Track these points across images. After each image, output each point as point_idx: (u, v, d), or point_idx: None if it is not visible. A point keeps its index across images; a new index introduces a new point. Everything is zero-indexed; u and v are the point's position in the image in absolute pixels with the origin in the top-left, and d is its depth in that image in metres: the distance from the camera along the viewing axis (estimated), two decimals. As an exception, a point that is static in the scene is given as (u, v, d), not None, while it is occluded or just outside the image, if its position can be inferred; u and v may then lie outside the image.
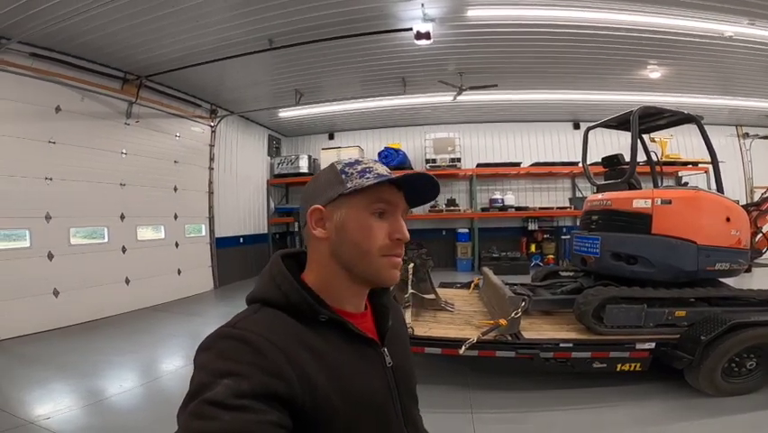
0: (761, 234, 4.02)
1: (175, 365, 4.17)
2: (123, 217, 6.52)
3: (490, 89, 7.27)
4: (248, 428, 0.52)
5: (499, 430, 2.81)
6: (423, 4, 4.88)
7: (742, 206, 3.85)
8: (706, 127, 4.06)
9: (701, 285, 3.54)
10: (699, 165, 9.60)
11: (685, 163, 9.74)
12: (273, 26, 5.24)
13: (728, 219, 3.57)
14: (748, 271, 3.83)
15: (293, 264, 0.81)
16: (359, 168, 0.77)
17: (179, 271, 7.63)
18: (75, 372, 3.90)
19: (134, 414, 3.14)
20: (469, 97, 7.79)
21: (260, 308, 0.72)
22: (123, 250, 6.50)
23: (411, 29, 5.15)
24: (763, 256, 4.14)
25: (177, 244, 7.65)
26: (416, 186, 0.80)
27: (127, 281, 6.51)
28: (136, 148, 6.81)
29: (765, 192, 4.19)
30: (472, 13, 5.12)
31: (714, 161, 4.07)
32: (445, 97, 7.85)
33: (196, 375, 0.59)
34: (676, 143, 9.82)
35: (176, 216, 7.66)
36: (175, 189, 7.68)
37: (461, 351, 2.97)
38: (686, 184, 8.67)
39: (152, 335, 5.23)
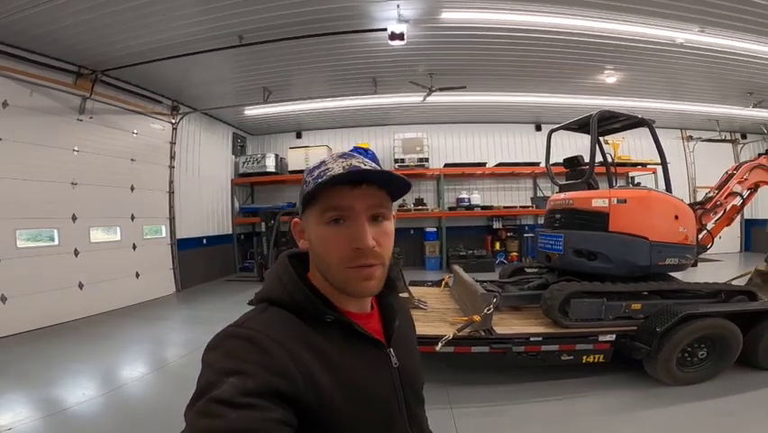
0: (705, 231, 4.33)
1: (139, 372, 3.98)
2: (74, 218, 6.12)
3: (459, 91, 7.42)
4: (254, 426, 0.53)
5: (479, 424, 2.89)
6: (399, 5, 4.91)
7: (688, 204, 4.13)
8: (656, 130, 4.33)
9: (654, 279, 3.79)
10: (648, 166, 10.30)
11: (635, 164, 10.41)
12: (244, 22, 5.10)
13: (677, 217, 3.82)
14: (695, 265, 4.13)
15: (300, 265, 0.80)
16: (315, 173, 0.72)
17: (138, 275, 7.26)
18: (32, 380, 3.68)
19: (99, 422, 3.00)
20: (438, 98, 7.92)
21: (266, 308, 0.73)
22: (76, 253, 6.10)
23: (386, 29, 5.17)
24: (708, 251, 4.46)
25: (134, 246, 7.29)
26: (370, 180, 0.71)
27: (81, 286, 6.12)
28: (89, 145, 6.42)
29: (709, 192, 4.52)
30: (446, 15, 5.21)
31: (663, 163, 4.32)
32: (415, 98, 7.94)
33: (203, 374, 0.60)
34: (627, 146, 10.46)
35: (132, 217, 7.29)
36: (132, 189, 7.30)
37: (438, 347, 3.02)
38: (638, 184, 9.31)
39: (112, 341, 4.96)
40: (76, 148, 6.21)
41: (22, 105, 5.40)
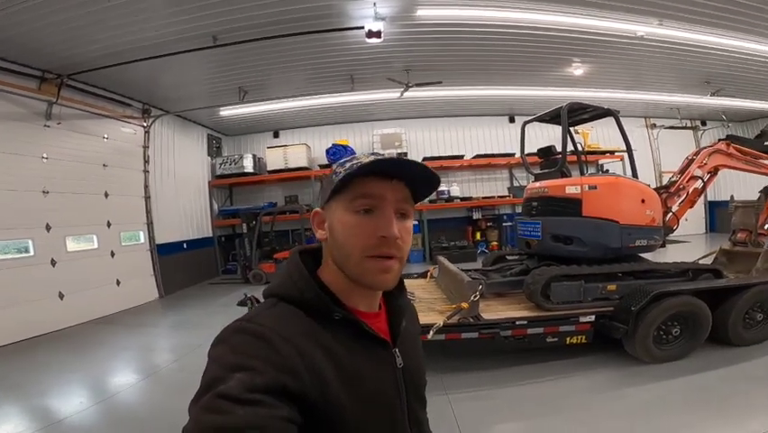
0: (671, 214, 4.57)
1: (133, 378, 3.94)
2: (48, 228, 5.92)
3: (435, 86, 7.53)
4: (260, 423, 0.53)
5: (475, 407, 3.00)
6: (375, 3, 4.96)
7: (654, 189, 4.37)
8: (621, 119, 4.52)
9: (626, 261, 4.00)
10: (616, 154, 10.73)
11: (604, 152, 10.83)
12: (219, 22, 5.05)
13: (643, 201, 4.04)
14: (663, 246, 4.35)
15: (310, 261, 0.80)
16: (347, 165, 0.72)
17: (118, 282, 7.10)
18: (25, 392, 3.63)
19: (102, 430, 2.99)
20: (415, 94, 8.01)
21: (276, 303, 0.73)
22: (53, 263, 5.92)
23: (362, 27, 5.21)
24: (675, 233, 4.72)
25: (112, 254, 7.11)
26: (398, 172, 0.73)
27: (61, 296, 5.96)
28: (59, 152, 6.22)
29: (672, 176, 4.79)
30: (422, 12, 5.29)
31: (629, 150, 4.53)
32: (392, 94, 7.99)
33: (209, 368, 0.60)
34: (595, 135, 10.85)
35: (109, 224, 7.10)
36: (106, 195, 7.11)
37: (430, 336, 3.11)
38: (607, 171, 9.70)
39: (99, 349, 4.88)
40: (45, 155, 6.00)
41: (-17, 112, 5.21)
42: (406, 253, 0.76)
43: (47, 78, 5.92)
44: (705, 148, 4.82)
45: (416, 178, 0.74)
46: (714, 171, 4.82)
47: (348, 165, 0.72)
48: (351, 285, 0.75)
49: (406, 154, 10.38)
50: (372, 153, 0.75)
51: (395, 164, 0.71)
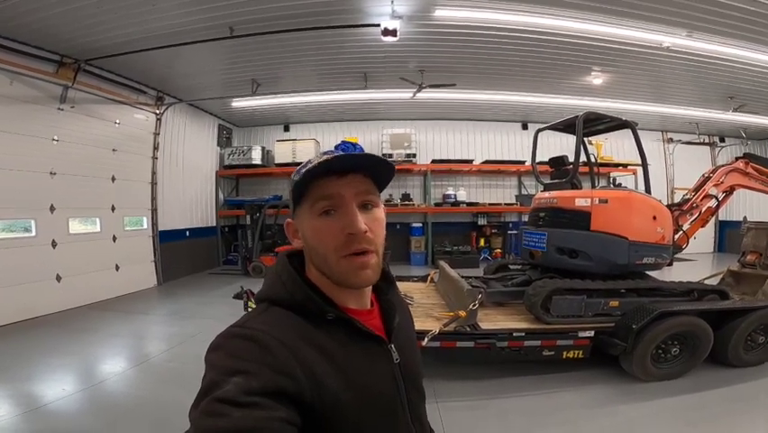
0: (681, 232, 4.46)
1: (120, 367, 3.91)
2: (52, 209, 5.95)
3: (449, 88, 7.45)
4: (258, 425, 0.54)
5: (465, 417, 2.96)
6: (392, 1, 4.90)
7: (666, 206, 4.25)
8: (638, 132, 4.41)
9: (631, 277, 3.90)
10: (629, 167, 10.55)
11: (617, 165, 10.65)
12: (237, 13, 5.03)
13: (655, 218, 3.95)
14: (670, 264, 4.24)
15: (300, 264, 0.81)
16: (302, 171, 0.72)
17: (117, 267, 7.12)
18: (10, 376, 3.61)
19: (80, 418, 2.95)
20: (428, 95, 7.92)
21: (267, 308, 0.73)
22: (54, 244, 5.95)
23: (379, 25, 5.15)
24: (683, 251, 4.60)
25: (114, 238, 7.14)
26: (353, 165, 0.73)
27: (58, 278, 5.97)
28: (69, 135, 6.25)
29: (686, 193, 4.66)
30: (440, 13, 5.19)
31: (644, 164, 4.44)
32: (405, 94, 7.90)
33: (206, 374, 0.60)
34: (609, 146, 10.67)
35: (113, 208, 7.14)
36: (113, 179, 7.14)
37: (425, 342, 3.05)
38: (620, 185, 9.52)
39: (91, 335, 4.85)
40: (55, 137, 6.04)
41: (1, 93, 5.24)
42: (381, 243, 0.77)
43: (65, 63, 5.96)
44: (722, 166, 4.68)
45: (373, 166, 0.74)
46: (729, 191, 4.69)
47: (303, 171, 0.72)
48: (334, 287, 0.76)
49: (414, 155, 10.32)
50: (326, 153, 0.74)
51: (340, 161, 0.70)
